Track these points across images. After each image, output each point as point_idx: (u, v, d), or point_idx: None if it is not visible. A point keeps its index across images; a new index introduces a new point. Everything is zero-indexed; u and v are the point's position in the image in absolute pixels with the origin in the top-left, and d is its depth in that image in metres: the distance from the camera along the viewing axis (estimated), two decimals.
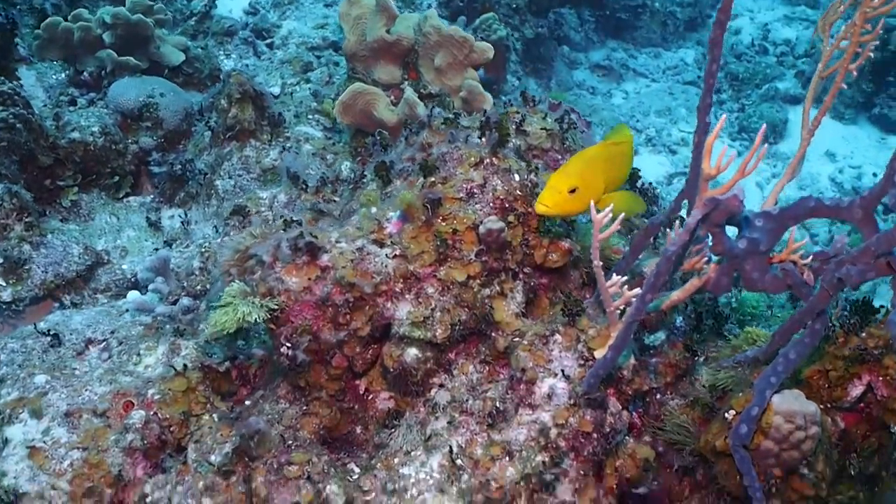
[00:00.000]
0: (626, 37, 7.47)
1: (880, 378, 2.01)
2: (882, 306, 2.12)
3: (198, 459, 2.20)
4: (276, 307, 2.12)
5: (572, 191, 2.00)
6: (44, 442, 2.25)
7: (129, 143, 3.64)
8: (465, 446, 2.06)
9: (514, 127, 2.52)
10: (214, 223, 3.32)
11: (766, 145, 1.62)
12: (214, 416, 2.33)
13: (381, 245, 2.23)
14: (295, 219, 2.26)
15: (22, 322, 2.96)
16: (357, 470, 2.17)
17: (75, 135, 3.44)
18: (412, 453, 2.10)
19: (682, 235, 1.72)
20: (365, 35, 3.35)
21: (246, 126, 3.42)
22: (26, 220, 3.06)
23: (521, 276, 2.28)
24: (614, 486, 2.04)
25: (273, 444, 2.16)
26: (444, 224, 2.21)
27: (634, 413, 2.23)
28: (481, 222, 2.18)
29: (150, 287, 2.90)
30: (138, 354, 2.54)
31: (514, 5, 5.95)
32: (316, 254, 2.17)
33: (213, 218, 3.38)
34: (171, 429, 2.28)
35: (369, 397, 2.32)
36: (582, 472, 1.98)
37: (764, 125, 1.67)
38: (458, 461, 2.02)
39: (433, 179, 2.30)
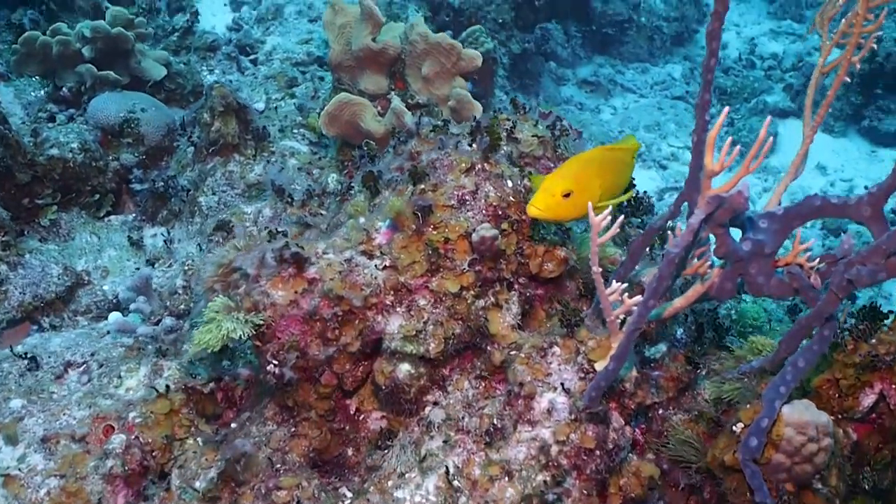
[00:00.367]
0: (612, 52, 7.44)
1: (893, 386, 1.94)
2: (891, 311, 2.05)
3: (182, 485, 2.10)
4: (261, 322, 2.03)
5: (566, 195, 1.91)
6: (19, 469, 2.14)
7: (109, 159, 3.54)
8: (461, 466, 1.96)
9: (504, 134, 2.44)
10: (198, 241, 3.23)
11: (771, 138, 1.55)
12: (199, 439, 2.23)
13: (371, 256, 2.14)
14: (280, 230, 2.17)
15: None
16: (349, 494, 2.07)
17: (54, 151, 3.35)
18: (406, 475, 2.00)
19: (684, 236, 1.64)
20: (350, 44, 3.27)
21: (229, 140, 3.34)
22: (3, 239, 2.97)
23: (516, 286, 2.20)
24: None
25: (260, 468, 2.07)
26: (435, 233, 2.12)
27: (637, 429, 2.15)
28: (474, 230, 2.10)
29: (132, 307, 2.80)
30: (119, 377, 2.44)
31: (501, 20, 5.91)
32: (302, 265, 2.08)
33: (196, 236, 3.29)
34: (154, 453, 2.18)
35: (360, 417, 2.22)
36: (585, 492, 1.89)
37: (769, 116, 1.60)
38: (455, 482, 1.93)
39: (423, 187, 2.21)
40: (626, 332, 1.79)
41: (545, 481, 1.87)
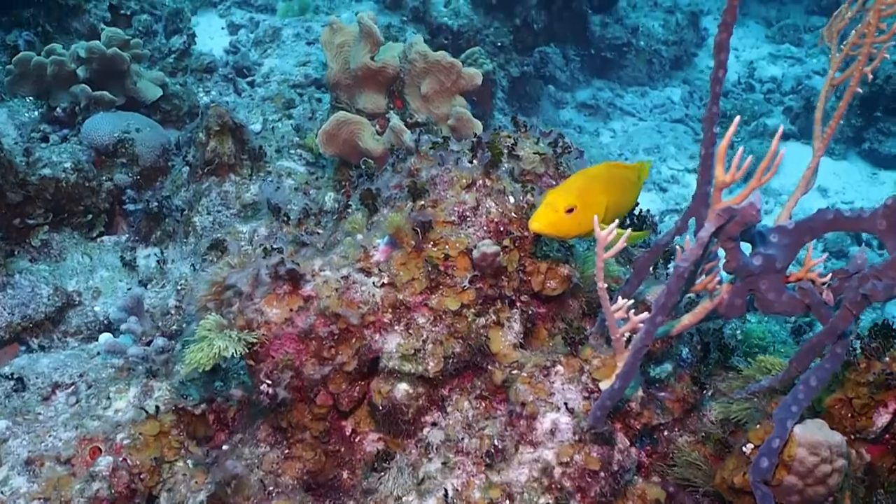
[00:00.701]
0: (611, 76, 7.44)
1: None
2: None
3: None
4: (255, 340, 1.97)
5: (570, 210, 1.84)
6: (1, 493, 2.07)
7: (103, 179, 3.49)
8: (461, 489, 1.90)
9: (506, 151, 2.39)
10: (192, 261, 3.17)
11: (784, 149, 1.50)
12: (189, 461, 2.16)
13: (368, 273, 2.08)
14: (275, 247, 2.11)
15: None
16: None
17: (46, 171, 3.30)
18: (404, 499, 1.94)
19: (693, 250, 1.58)
20: (348, 63, 3.23)
21: (225, 160, 3.29)
22: None
23: (518, 304, 2.13)
24: None
25: (252, 491, 2.00)
26: (435, 249, 2.06)
27: (642, 451, 2.08)
28: (475, 246, 2.04)
29: (123, 327, 2.73)
30: (108, 398, 2.37)
31: (500, 43, 5.90)
32: (298, 282, 2.02)
33: (190, 256, 3.23)
34: (142, 476, 2.11)
35: (356, 439, 2.16)
36: None
37: (781, 126, 1.55)
38: None
39: (422, 203, 2.16)
40: (633, 349, 1.73)
41: None
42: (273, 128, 3.94)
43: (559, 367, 1.96)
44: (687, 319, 1.88)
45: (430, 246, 2.07)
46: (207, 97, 4.51)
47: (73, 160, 3.38)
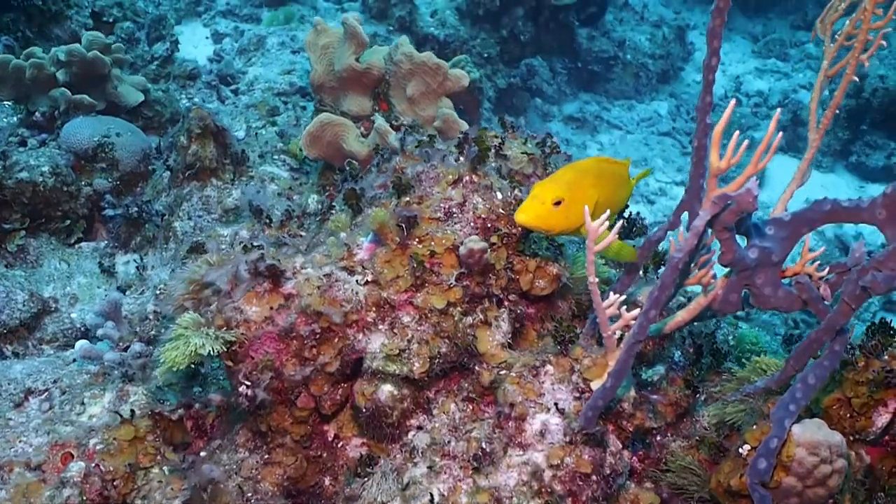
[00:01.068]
0: (598, 89, 7.42)
1: None
2: None
3: None
4: (233, 339, 1.89)
5: (557, 203, 1.77)
6: None
7: (82, 184, 3.41)
8: (447, 495, 1.82)
9: (493, 150, 2.33)
10: (172, 267, 3.10)
11: (780, 133, 1.45)
12: (165, 468, 2.07)
13: (352, 272, 2.01)
14: (256, 244, 2.04)
15: None
16: None
17: (23, 175, 3.22)
18: None
19: (688, 240, 1.52)
20: (333, 64, 3.17)
21: (207, 164, 3.22)
22: None
23: (506, 303, 2.07)
24: None
25: (230, 498, 1.92)
26: (420, 246, 2.00)
27: (634, 456, 2.01)
28: (462, 243, 1.97)
29: (100, 332, 2.65)
30: (82, 403, 2.29)
31: (486, 54, 5.87)
32: (278, 280, 1.95)
33: (170, 262, 3.16)
34: (115, 483, 2.02)
35: (339, 444, 2.08)
36: None
37: (779, 109, 1.50)
38: None
39: (408, 199, 2.09)
40: (626, 345, 1.67)
41: None
42: (256, 134, 3.88)
43: (549, 367, 1.90)
44: (681, 316, 1.82)
45: (415, 242, 2.01)
46: (190, 104, 4.44)
47: (51, 164, 3.31)
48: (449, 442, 1.90)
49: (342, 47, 3.14)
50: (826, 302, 1.73)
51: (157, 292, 2.87)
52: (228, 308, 1.94)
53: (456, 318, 1.97)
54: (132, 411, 2.14)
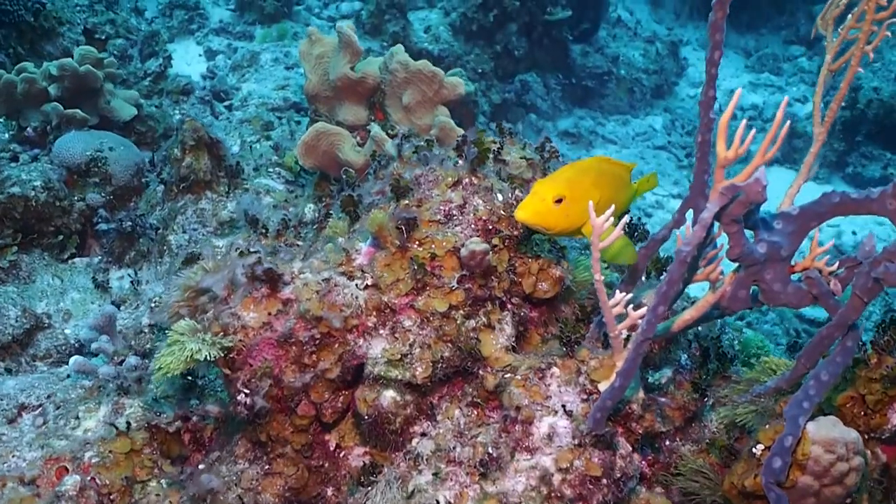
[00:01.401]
0: (593, 104, 7.42)
1: None
2: None
3: None
4: (230, 345, 1.84)
5: (558, 200, 1.74)
6: None
7: (75, 199, 3.37)
8: (454, 501, 1.77)
9: (492, 156, 2.30)
10: (167, 281, 3.05)
11: (788, 121, 1.42)
12: (162, 481, 2.02)
13: (351, 277, 1.97)
14: (252, 249, 2.00)
15: None
16: None
17: (15, 190, 3.17)
18: None
19: (696, 233, 1.49)
20: (328, 74, 3.15)
21: (201, 176, 3.18)
22: None
23: (508, 306, 2.02)
24: None
25: None
26: (420, 249, 1.96)
27: (644, 461, 1.96)
28: (462, 245, 1.93)
29: (94, 346, 2.59)
30: (77, 417, 2.23)
31: (481, 70, 5.87)
32: (276, 284, 1.91)
33: (165, 276, 3.11)
34: (112, 496, 1.97)
35: (341, 454, 2.03)
36: None
37: (786, 97, 1.47)
38: None
39: (406, 202, 2.05)
40: (634, 343, 1.63)
41: None
42: (251, 147, 3.85)
43: (555, 369, 1.85)
44: (689, 314, 1.78)
45: (415, 245, 1.97)
46: (183, 118, 4.41)
47: (43, 179, 3.27)
48: (454, 448, 1.85)
49: (337, 56, 3.11)
50: (836, 297, 1.70)
51: (152, 304, 2.83)
52: (225, 314, 1.90)
53: (458, 322, 1.93)
54: (128, 424, 2.09)
